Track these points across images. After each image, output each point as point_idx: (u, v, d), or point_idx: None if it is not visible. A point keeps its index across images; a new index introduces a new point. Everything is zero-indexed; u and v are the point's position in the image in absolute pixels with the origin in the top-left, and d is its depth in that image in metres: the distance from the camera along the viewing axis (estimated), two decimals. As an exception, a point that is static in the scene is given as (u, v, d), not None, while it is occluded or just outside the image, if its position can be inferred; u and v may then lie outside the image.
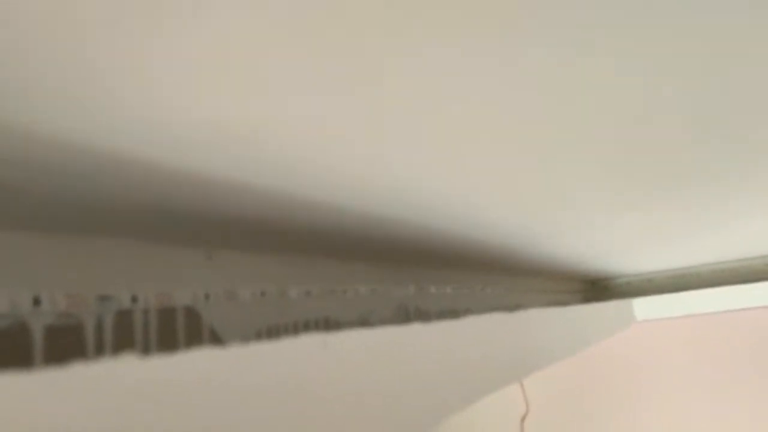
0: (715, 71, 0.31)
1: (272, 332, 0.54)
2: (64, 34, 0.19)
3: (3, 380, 0.20)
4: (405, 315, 0.75)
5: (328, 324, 0.60)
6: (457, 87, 0.28)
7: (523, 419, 1.67)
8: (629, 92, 0.33)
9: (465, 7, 0.22)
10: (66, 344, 0.37)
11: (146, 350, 0.41)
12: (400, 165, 0.40)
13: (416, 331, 0.50)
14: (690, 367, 1.71)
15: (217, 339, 0.48)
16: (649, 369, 1.74)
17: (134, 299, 0.42)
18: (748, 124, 0.42)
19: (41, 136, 0.26)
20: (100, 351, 0.39)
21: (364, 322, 0.67)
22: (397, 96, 0.28)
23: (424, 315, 0.80)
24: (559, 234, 0.86)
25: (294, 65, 0.24)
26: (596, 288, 1.65)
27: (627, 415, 1.74)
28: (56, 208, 0.36)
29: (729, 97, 0.36)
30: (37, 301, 0.36)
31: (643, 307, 1.52)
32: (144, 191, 0.36)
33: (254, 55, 0.23)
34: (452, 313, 0.88)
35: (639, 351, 1.74)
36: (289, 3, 0.20)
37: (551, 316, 0.81)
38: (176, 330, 0.45)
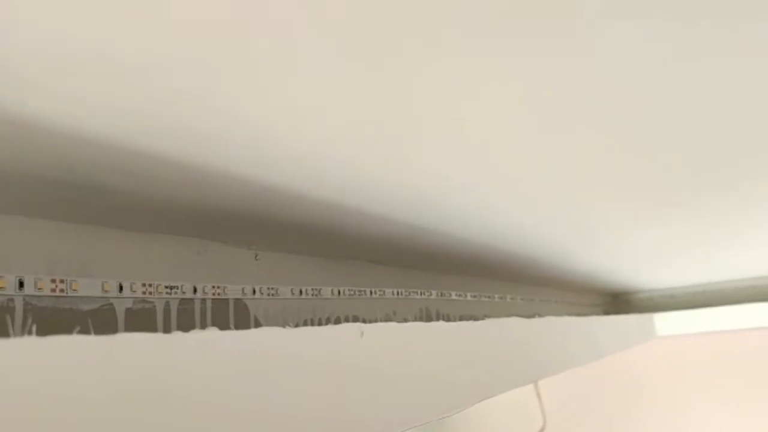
0: (731, 106, 0.39)
1: (307, 325, 0.62)
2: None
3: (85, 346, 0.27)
4: (427, 317, 0.83)
5: (357, 321, 0.68)
6: (496, 105, 0.36)
7: (540, 432, 1.73)
8: (654, 124, 0.40)
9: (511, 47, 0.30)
10: (141, 323, 0.45)
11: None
12: (435, 179, 0.48)
13: (439, 328, 0.58)
14: (709, 384, 1.76)
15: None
16: (669, 385, 1.79)
17: (195, 290, 0.50)
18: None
19: (159, 154, 0.34)
20: (167, 330, 0.47)
21: (389, 321, 0.75)
22: (430, 113, 0.36)
23: (445, 318, 0.88)
24: (584, 248, 0.93)
25: (352, 97, 0.32)
26: (618, 301, 1.72)
27: (644, 431, 1.79)
28: (140, 209, 0.44)
29: (745, 122, 0.43)
30: (121, 288, 0.44)
31: (664, 322, 1.58)
32: (209, 197, 0.44)
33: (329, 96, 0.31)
34: (471, 318, 0.95)
35: (659, 367, 1.80)
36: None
37: (568, 324, 0.88)
38: (228, 317, 0.53)
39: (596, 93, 0.34)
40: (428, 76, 0.30)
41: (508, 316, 0.90)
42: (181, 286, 0.49)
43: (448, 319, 0.90)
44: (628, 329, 1.29)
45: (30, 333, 0.26)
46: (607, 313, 1.65)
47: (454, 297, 0.92)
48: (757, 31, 0.29)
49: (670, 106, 0.37)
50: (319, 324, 0.64)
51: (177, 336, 0.30)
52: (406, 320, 0.79)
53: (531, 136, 0.40)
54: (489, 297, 1.04)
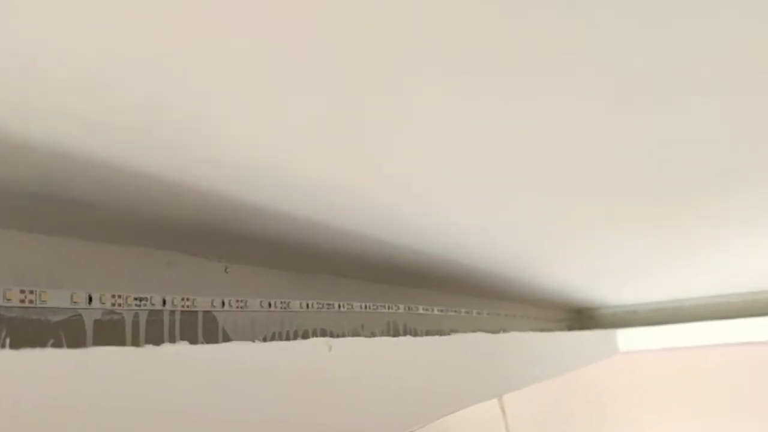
0: (697, 136, 0.40)
1: (275, 338, 0.63)
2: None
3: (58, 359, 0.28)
4: (394, 331, 0.84)
5: (324, 335, 0.69)
6: (462, 125, 0.37)
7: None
8: (616, 146, 0.42)
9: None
10: (110, 334, 0.46)
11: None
12: (405, 195, 0.49)
13: (406, 343, 0.59)
14: (670, 400, 1.80)
15: (228, 341, 0.57)
16: (631, 400, 1.83)
17: (164, 302, 0.51)
18: (729, 174, 0.51)
19: (129, 167, 0.35)
20: (135, 342, 0.47)
21: (356, 335, 0.75)
22: (400, 133, 0.37)
23: (412, 333, 0.89)
24: (549, 264, 0.95)
25: (320, 106, 0.33)
26: (582, 317, 1.75)
27: (607, 446, 1.82)
28: (110, 221, 0.45)
29: (706, 149, 0.45)
30: (90, 299, 0.44)
31: (626, 338, 1.61)
32: (179, 210, 0.45)
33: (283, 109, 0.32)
34: (438, 332, 0.96)
35: (621, 382, 1.83)
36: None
37: (532, 340, 0.90)
38: (196, 330, 0.54)
39: (560, 110, 0.35)
40: (398, 96, 0.31)
41: (474, 330, 0.91)
42: (150, 298, 0.49)
43: (415, 333, 0.91)
44: (591, 345, 1.31)
45: (4, 345, 0.26)
46: (571, 328, 1.68)
47: (421, 311, 0.93)
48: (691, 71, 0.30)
49: (632, 130, 0.39)
50: (287, 337, 0.64)
51: (149, 350, 0.30)
52: (373, 334, 0.80)
53: (497, 155, 0.41)
54: (456, 311, 1.05)
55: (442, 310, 1.01)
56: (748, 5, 0.25)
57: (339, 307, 0.73)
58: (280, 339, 0.63)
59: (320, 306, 0.70)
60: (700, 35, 0.27)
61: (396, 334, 0.85)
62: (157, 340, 0.49)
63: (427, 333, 0.94)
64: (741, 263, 1.13)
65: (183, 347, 0.33)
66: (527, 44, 0.26)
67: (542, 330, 1.37)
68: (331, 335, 0.71)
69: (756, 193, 0.59)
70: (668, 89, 0.33)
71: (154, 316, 0.50)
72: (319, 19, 0.23)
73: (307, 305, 0.68)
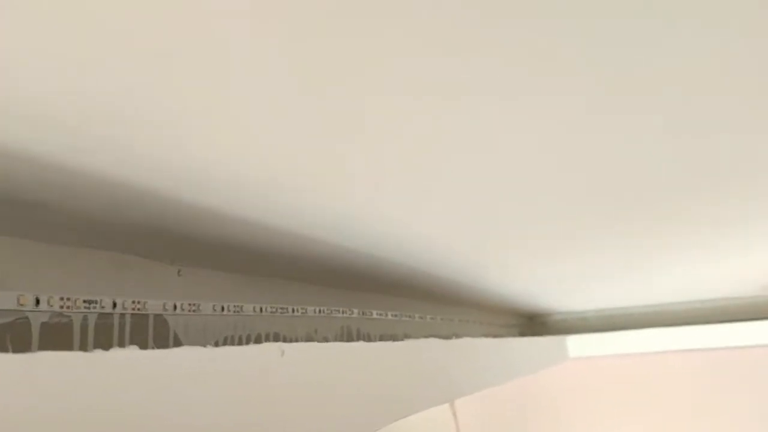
0: (642, 142, 0.42)
1: (227, 342, 0.62)
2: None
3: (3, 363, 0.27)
4: (348, 336, 0.84)
5: (278, 339, 0.68)
6: (418, 133, 0.38)
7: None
8: (567, 156, 0.43)
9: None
10: (57, 338, 0.45)
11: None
12: (359, 199, 0.49)
13: (359, 348, 0.59)
14: (616, 405, 1.84)
15: (179, 345, 0.56)
16: (580, 404, 1.86)
17: (114, 305, 0.50)
18: (677, 189, 0.53)
19: (80, 168, 0.34)
20: (84, 346, 0.46)
21: (310, 339, 0.75)
22: (352, 137, 0.38)
23: (365, 337, 0.89)
24: (502, 271, 0.96)
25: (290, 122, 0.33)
26: (534, 323, 1.77)
27: (556, 450, 1.85)
28: (59, 222, 0.44)
29: (662, 166, 0.46)
30: (37, 301, 0.44)
31: (576, 344, 1.64)
32: (133, 212, 0.44)
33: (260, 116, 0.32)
34: (392, 337, 0.97)
35: (571, 387, 1.86)
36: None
37: (484, 345, 0.91)
38: (147, 333, 0.53)
39: (512, 120, 0.36)
40: (357, 102, 0.31)
41: (427, 335, 0.92)
42: (100, 301, 0.49)
43: (369, 338, 0.91)
44: (541, 350, 1.33)
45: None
46: (523, 334, 1.70)
47: (375, 316, 0.93)
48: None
49: (585, 145, 0.40)
50: (240, 341, 0.64)
51: (97, 354, 0.30)
52: (327, 339, 0.80)
53: (451, 162, 0.42)
54: (410, 316, 1.05)
55: (396, 315, 1.02)
56: (707, 15, 0.26)
57: (293, 311, 0.73)
58: (233, 343, 0.63)
59: (274, 310, 0.70)
60: (642, 63, 0.28)
61: (350, 339, 0.85)
62: (106, 344, 0.49)
63: (381, 338, 0.94)
64: (686, 274, 1.17)
65: (132, 352, 0.33)
66: (488, 65, 0.27)
67: (495, 335, 1.39)
68: (285, 340, 0.71)
69: (702, 209, 0.61)
70: (623, 109, 0.34)
71: (104, 319, 0.49)
72: (276, 20, 0.23)
73: (261, 309, 0.68)
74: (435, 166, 0.42)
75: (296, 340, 0.73)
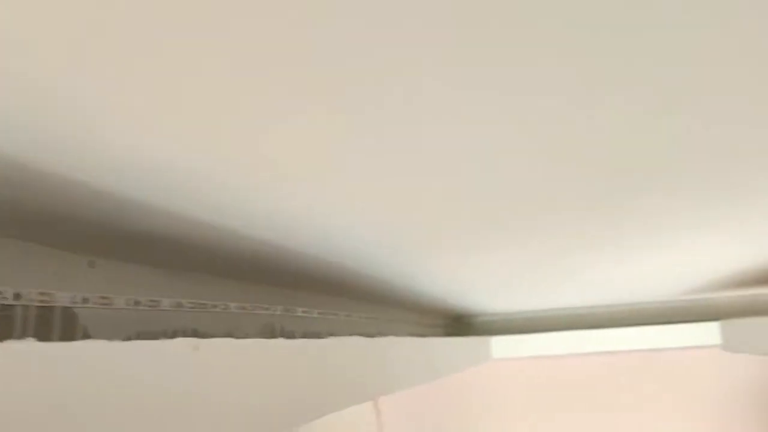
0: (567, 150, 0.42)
1: (141, 338, 0.60)
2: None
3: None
4: (270, 333, 0.83)
5: (196, 335, 0.66)
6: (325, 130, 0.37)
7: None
8: (490, 149, 0.43)
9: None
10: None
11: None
12: (282, 192, 0.48)
13: (280, 345, 0.58)
14: (539, 406, 1.87)
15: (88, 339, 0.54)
16: (502, 405, 1.89)
17: (17, 296, 0.47)
18: (596, 194, 0.54)
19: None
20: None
21: (231, 336, 0.73)
22: (266, 126, 0.37)
23: (288, 335, 0.88)
24: (429, 272, 0.97)
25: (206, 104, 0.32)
26: (459, 324, 1.79)
27: (478, 449, 1.87)
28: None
29: (583, 171, 0.47)
30: (-71, 290, 0.41)
31: (500, 345, 1.67)
32: (39, 198, 0.42)
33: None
34: (316, 335, 0.96)
35: (494, 387, 1.89)
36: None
37: (408, 345, 0.91)
38: (52, 327, 0.50)
39: (433, 112, 0.36)
40: (283, 94, 0.30)
41: (351, 334, 0.91)
42: (2, 292, 0.46)
43: (293, 336, 0.89)
44: (465, 351, 1.34)
45: None
46: (449, 334, 1.72)
47: (300, 313, 0.92)
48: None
49: (508, 143, 0.40)
50: (155, 337, 0.62)
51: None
52: (248, 336, 0.78)
53: (375, 156, 0.41)
54: (335, 314, 1.05)
55: (321, 313, 1.01)
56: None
57: (213, 307, 0.71)
58: (147, 339, 0.61)
59: (192, 306, 0.68)
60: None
61: (272, 336, 0.83)
62: (6, 338, 0.46)
63: (305, 335, 0.93)
64: (608, 277, 1.20)
65: (30, 345, 0.31)
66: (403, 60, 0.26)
67: (420, 335, 1.39)
68: (203, 336, 0.69)
69: (622, 214, 0.62)
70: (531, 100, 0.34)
71: (6, 311, 0.46)
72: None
73: (179, 304, 0.66)
74: (360, 160, 0.41)
75: (215, 337, 0.71)
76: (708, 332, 1.50)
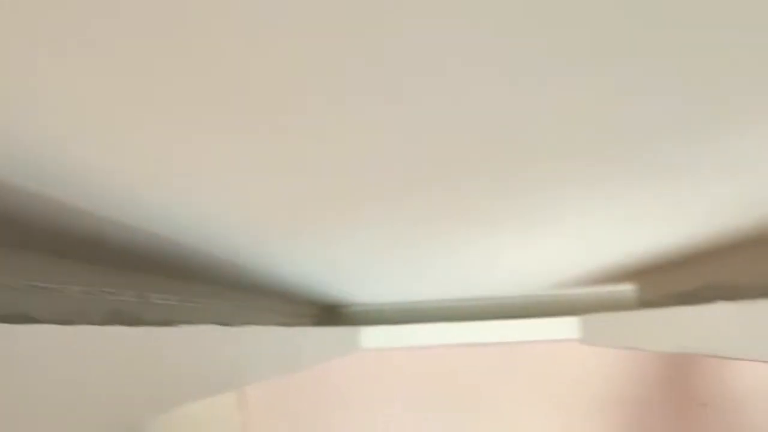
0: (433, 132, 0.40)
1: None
2: None
3: None
4: (119, 320, 0.77)
5: (30, 320, 0.60)
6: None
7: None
8: (360, 145, 0.40)
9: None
10: None
11: None
12: (134, 170, 0.44)
13: (122, 334, 0.53)
14: (408, 395, 1.89)
15: None
16: (371, 395, 1.89)
17: None
18: (458, 178, 0.52)
19: None
20: None
21: (71, 322, 0.67)
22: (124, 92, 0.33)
23: (141, 322, 0.82)
24: (297, 260, 0.94)
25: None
26: (330, 314, 1.77)
27: (344, 441, 1.87)
28: None
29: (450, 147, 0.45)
30: None
31: (371, 335, 1.66)
32: None
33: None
34: (171, 323, 0.91)
35: (364, 378, 1.89)
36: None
37: (269, 334, 0.87)
38: None
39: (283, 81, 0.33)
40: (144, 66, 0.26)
41: (213, 323, 0.87)
42: None
43: (146, 323, 0.84)
44: (333, 341, 1.32)
45: None
46: (318, 324, 1.70)
47: (154, 300, 0.87)
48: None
49: (371, 125, 0.38)
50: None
51: None
52: (92, 322, 0.72)
53: (235, 136, 0.38)
54: (195, 302, 1.00)
55: (180, 300, 0.95)
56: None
57: (51, 290, 0.65)
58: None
59: (27, 287, 0.61)
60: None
61: (121, 323, 0.78)
62: None
63: (161, 323, 0.87)
64: (479, 270, 1.21)
65: None
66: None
67: (288, 325, 1.36)
68: (40, 321, 0.63)
69: (492, 201, 0.62)
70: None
71: None
72: None
73: (11, 285, 0.59)
74: (219, 142, 0.38)
75: (55, 322, 0.65)
76: (569, 326, 1.57)
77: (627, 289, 1.55)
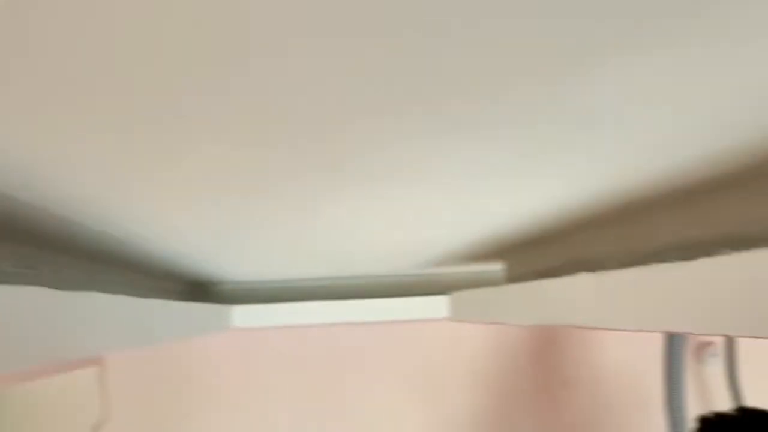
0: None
1: None
2: None
3: None
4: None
5: None
6: None
7: (97, 428, 1.64)
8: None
9: None
10: None
11: None
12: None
13: None
14: (278, 374, 1.86)
15: None
16: (239, 373, 1.85)
17: None
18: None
19: None
20: None
21: None
22: None
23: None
24: (166, 234, 0.88)
25: None
26: (200, 291, 1.71)
27: (210, 419, 1.82)
28: None
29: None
30: None
31: (241, 313, 1.62)
32: None
33: None
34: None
35: (232, 355, 1.84)
36: None
37: (118, 304, 0.82)
38: None
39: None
40: None
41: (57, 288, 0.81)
42: None
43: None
44: (199, 317, 1.27)
45: None
46: (187, 301, 1.63)
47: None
48: None
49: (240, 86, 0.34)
50: None
51: None
52: None
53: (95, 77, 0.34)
54: (37, 269, 0.92)
55: (21, 268, 0.88)
56: None
57: None
58: None
59: None
60: None
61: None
62: None
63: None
64: (347, 249, 1.20)
65: None
66: None
67: (147, 297, 1.30)
68: None
69: (360, 181, 0.59)
70: None
71: None
72: None
73: None
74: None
75: None
76: (440, 305, 1.58)
77: (496, 268, 1.58)
